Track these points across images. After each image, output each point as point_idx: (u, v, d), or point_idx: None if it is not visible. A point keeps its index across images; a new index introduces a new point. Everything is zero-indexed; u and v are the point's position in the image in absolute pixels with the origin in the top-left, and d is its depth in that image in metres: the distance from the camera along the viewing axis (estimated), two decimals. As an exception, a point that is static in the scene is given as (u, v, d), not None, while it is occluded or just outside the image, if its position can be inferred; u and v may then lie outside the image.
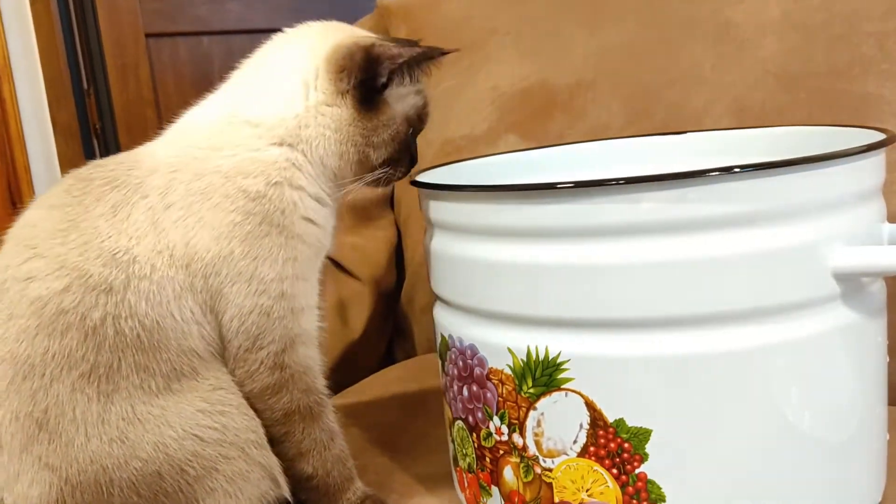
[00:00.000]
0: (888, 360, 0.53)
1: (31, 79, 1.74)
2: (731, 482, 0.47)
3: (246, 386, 0.57)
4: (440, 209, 0.55)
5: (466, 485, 0.58)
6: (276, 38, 0.62)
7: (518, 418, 0.50)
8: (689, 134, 0.70)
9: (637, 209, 0.44)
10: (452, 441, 0.59)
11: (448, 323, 0.56)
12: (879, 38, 0.77)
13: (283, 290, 0.56)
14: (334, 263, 1.03)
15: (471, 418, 0.55)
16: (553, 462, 0.49)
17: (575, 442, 0.48)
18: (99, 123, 1.84)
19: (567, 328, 0.48)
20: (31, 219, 0.56)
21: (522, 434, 0.50)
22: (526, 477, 0.51)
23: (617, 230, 0.45)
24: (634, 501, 0.47)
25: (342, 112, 0.57)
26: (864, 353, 0.49)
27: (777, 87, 0.82)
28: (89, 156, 1.84)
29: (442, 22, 1.09)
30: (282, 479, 0.58)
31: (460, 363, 0.54)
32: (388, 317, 1.11)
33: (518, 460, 0.51)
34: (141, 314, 0.53)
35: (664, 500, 0.47)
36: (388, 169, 0.60)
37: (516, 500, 0.52)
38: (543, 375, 0.49)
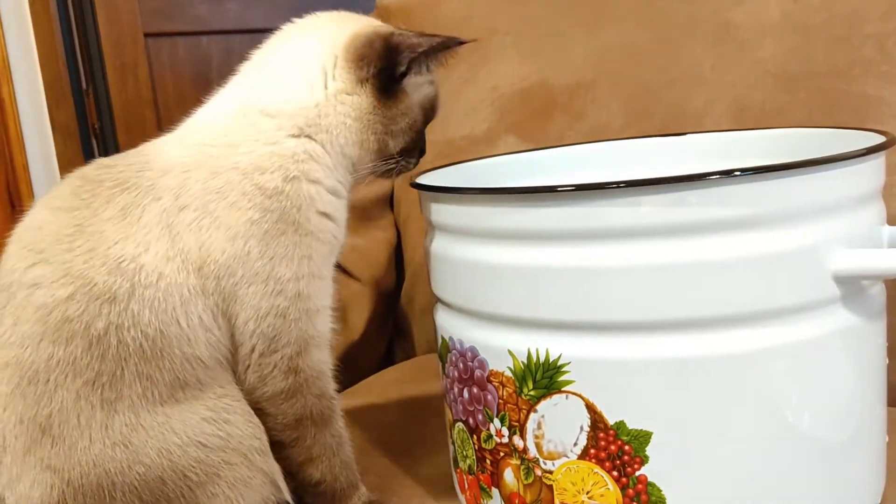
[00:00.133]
0: (888, 361, 0.53)
1: (29, 79, 1.74)
2: (732, 484, 0.47)
3: (258, 391, 0.56)
4: (441, 211, 0.55)
5: (467, 486, 0.58)
6: (288, 29, 0.61)
7: (518, 420, 0.50)
8: (688, 135, 0.70)
9: (637, 212, 0.44)
10: (453, 443, 0.59)
11: (449, 325, 0.56)
12: (879, 40, 0.77)
13: (300, 289, 0.56)
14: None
15: (471, 420, 0.55)
16: (553, 464, 0.50)
17: (575, 444, 0.48)
18: (98, 123, 1.84)
19: (567, 331, 0.48)
20: (37, 221, 0.56)
21: (523, 436, 0.51)
22: (526, 479, 0.51)
23: (617, 233, 0.45)
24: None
25: (361, 100, 0.57)
26: (863, 355, 0.49)
27: (777, 87, 0.82)
28: (88, 156, 1.84)
29: (441, 22, 1.09)
30: (283, 485, 0.58)
31: (461, 365, 0.54)
32: (388, 317, 1.11)
33: (518, 462, 0.52)
34: (144, 323, 0.52)
35: (664, 503, 0.47)
36: (401, 159, 0.60)
37: (517, 502, 0.52)
38: (544, 378, 0.49)
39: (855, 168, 0.47)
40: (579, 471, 0.49)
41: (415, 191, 0.59)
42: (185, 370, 0.54)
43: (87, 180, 0.57)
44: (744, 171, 0.43)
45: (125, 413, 0.52)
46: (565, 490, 0.49)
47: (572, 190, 0.46)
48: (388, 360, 1.11)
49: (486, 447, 0.54)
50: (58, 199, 0.56)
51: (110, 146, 1.84)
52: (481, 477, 0.55)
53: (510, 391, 0.51)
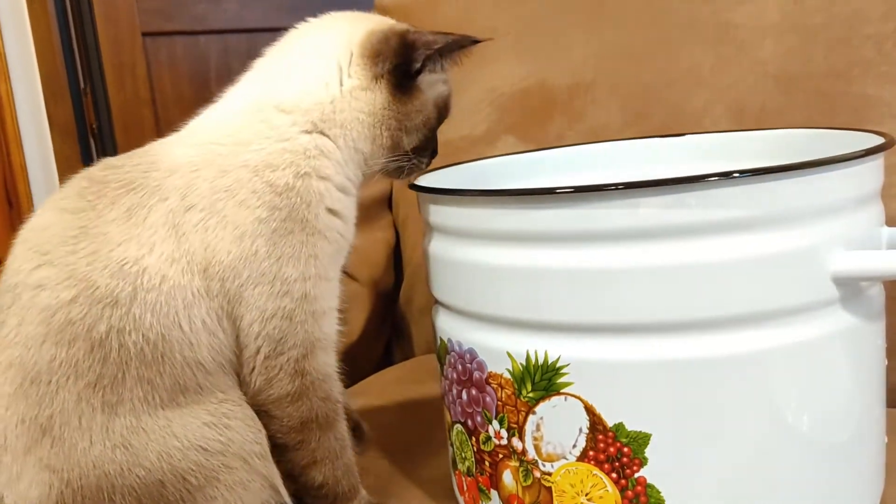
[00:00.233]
0: (887, 362, 0.53)
1: (27, 78, 1.74)
2: (731, 486, 0.47)
3: (263, 393, 0.56)
4: (439, 213, 0.55)
5: (465, 488, 0.58)
6: (303, 27, 0.61)
7: (517, 422, 0.50)
8: (688, 136, 0.70)
9: (636, 214, 0.44)
10: (451, 444, 0.59)
11: (447, 327, 0.56)
12: (878, 41, 0.77)
13: (307, 291, 0.55)
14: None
15: (470, 422, 0.55)
16: (552, 466, 0.49)
17: (574, 446, 0.48)
18: (96, 122, 1.83)
19: (566, 332, 0.48)
20: (43, 221, 0.56)
21: (522, 438, 0.50)
22: (525, 481, 0.51)
23: (616, 235, 0.45)
24: (634, 506, 0.47)
25: (376, 96, 0.57)
26: (863, 356, 0.49)
27: (776, 88, 0.82)
28: (86, 155, 1.83)
29: (440, 22, 1.08)
30: (283, 488, 0.58)
31: (459, 367, 0.54)
32: (387, 318, 1.11)
33: (517, 464, 0.51)
34: (146, 327, 0.52)
35: (663, 505, 0.47)
36: (414, 158, 0.60)
37: (515, 503, 0.52)
38: (543, 380, 0.48)
39: (854, 169, 0.47)
40: (578, 473, 0.49)
41: (413, 191, 0.59)
42: (185, 375, 0.53)
43: (93, 181, 0.56)
44: (743, 172, 0.43)
45: (126, 416, 0.52)
46: (564, 492, 0.49)
47: (571, 192, 0.45)
48: (386, 361, 1.11)
49: (485, 449, 0.54)
50: (64, 200, 0.56)
51: (108, 145, 1.83)
52: (480, 479, 0.55)
53: (509, 393, 0.50)
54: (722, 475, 0.47)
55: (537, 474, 0.50)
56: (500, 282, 0.50)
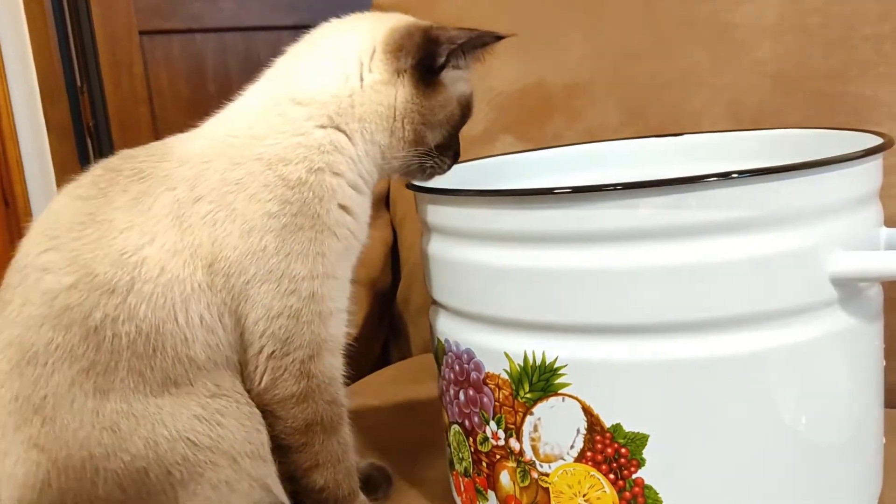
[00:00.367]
0: (885, 363, 0.53)
1: (24, 77, 1.73)
2: (728, 487, 0.47)
3: (268, 393, 0.56)
4: (437, 213, 0.55)
5: (463, 489, 0.58)
6: (325, 25, 0.61)
7: (515, 423, 0.50)
8: (685, 136, 0.70)
9: (635, 214, 0.44)
10: (449, 445, 0.59)
11: (445, 327, 0.55)
12: (876, 41, 0.77)
13: (314, 290, 0.55)
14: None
15: (467, 422, 0.54)
16: (550, 467, 0.49)
17: (572, 447, 0.48)
18: (92, 121, 1.83)
19: (564, 333, 0.47)
20: (57, 207, 0.57)
21: (519, 439, 0.50)
22: (522, 482, 0.51)
23: (614, 235, 0.45)
24: (631, 507, 0.47)
25: (398, 90, 0.57)
26: (861, 357, 0.49)
27: (774, 89, 0.82)
28: (82, 154, 1.83)
29: (438, 20, 1.08)
30: (277, 489, 0.57)
31: (457, 367, 0.54)
32: (384, 317, 1.10)
33: (515, 465, 0.51)
34: (139, 318, 0.52)
35: (661, 506, 0.47)
36: (437, 157, 0.60)
37: (513, 504, 0.52)
38: (540, 380, 0.48)
39: (852, 170, 0.47)
40: (576, 473, 0.48)
41: (411, 190, 0.58)
42: (176, 370, 0.53)
43: (108, 169, 0.57)
44: (741, 173, 0.43)
45: (117, 401, 0.52)
46: (562, 493, 0.49)
47: (569, 192, 0.45)
48: (383, 361, 1.11)
49: (483, 450, 0.54)
50: (79, 188, 0.57)
51: (105, 144, 1.83)
52: (477, 479, 0.55)
53: (506, 394, 0.50)
54: (720, 476, 0.47)
55: (535, 475, 0.50)
56: (497, 282, 0.50)
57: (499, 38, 0.58)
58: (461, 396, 0.54)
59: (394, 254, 1.11)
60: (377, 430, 0.78)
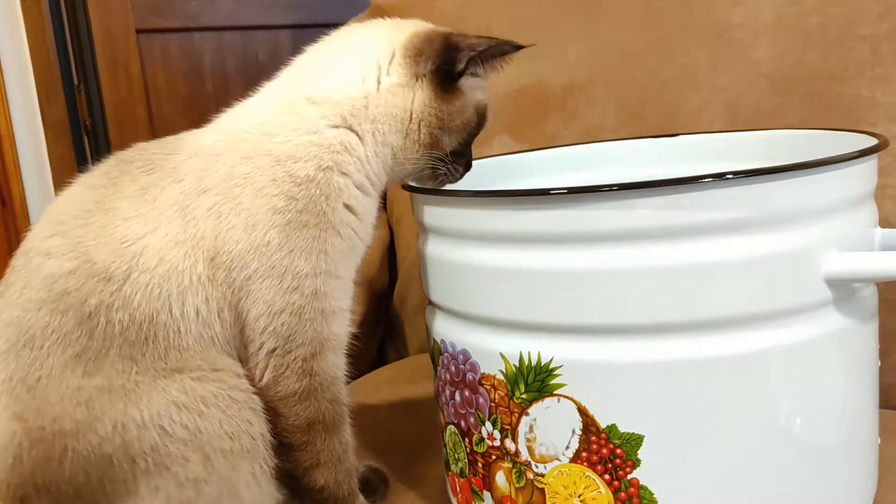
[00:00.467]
0: (879, 363, 0.53)
1: (21, 75, 1.73)
2: (723, 487, 0.47)
3: (271, 390, 0.55)
4: (433, 214, 0.55)
5: (459, 490, 0.58)
6: (346, 27, 0.62)
7: (510, 424, 0.50)
8: (682, 136, 0.70)
9: (630, 215, 0.44)
10: (445, 445, 0.59)
11: (441, 328, 0.55)
12: (873, 42, 0.77)
13: (317, 287, 0.55)
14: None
15: (463, 423, 0.54)
16: (545, 467, 0.49)
17: (567, 447, 0.48)
18: (89, 120, 1.83)
19: (559, 334, 0.47)
20: (69, 195, 0.57)
21: (515, 439, 0.50)
22: (518, 482, 0.51)
23: (610, 236, 0.45)
24: (626, 507, 0.47)
25: (416, 94, 0.57)
26: (856, 357, 0.50)
27: (771, 89, 0.82)
28: (79, 152, 1.83)
29: (436, 21, 1.08)
30: (247, 494, 0.54)
31: (452, 368, 0.54)
32: (381, 317, 1.10)
33: (510, 465, 0.51)
34: (133, 306, 0.52)
35: (656, 506, 0.47)
36: (451, 164, 0.60)
37: (508, 505, 0.52)
38: (536, 381, 0.48)
39: (847, 171, 0.47)
40: (571, 474, 0.48)
41: (408, 191, 0.58)
42: (168, 357, 0.53)
43: (121, 160, 0.58)
44: (736, 174, 0.43)
45: (100, 379, 0.52)
46: (557, 493, 0.49)
47: (565, 192, 0.45)
48: (380, 360, 1.11)
49: (478, 450, 0.54)
50: (91, 177, 0.58)
51: (102, 143, 1.83)
52: (473, 480, 0.55)
53: (502, 394, 0.50)
54: (714, 476, 0.47)
55: (530, 476, 0.50)
56: (493, 283, 0.50)
57: (518, 47, 0.58)
58: (457, 397, 0.54)
59: (391, 254, 1.11)
60: (373, 431, 0.78)
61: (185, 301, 0.53)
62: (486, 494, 0.54)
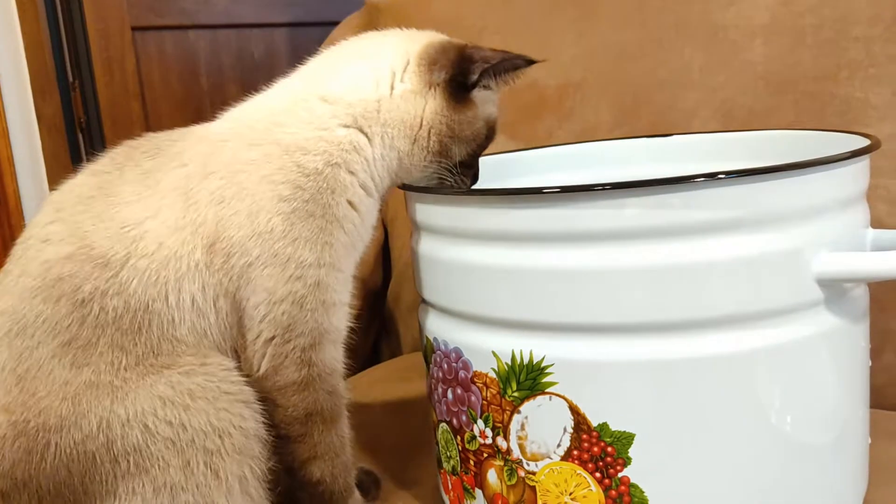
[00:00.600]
0: (870, 363, 0.53)
1: (15, 72, 1.72)
2: (714, 485, 0.47)
3: (269, 380, 0.55)
4: (426, 212, 0.55)
5: (450, 487, 0.58)
6: (364, 34, 0.62)
7: (502, 422, 0.50)
8: (676, 136, 0.70)
9: (622, 214, 0.44)
10: (437, 443, 0.59)
11: (433, 326, 0.55)
12: (867, 43, 0.77)
13: (320, 278, 0.55)
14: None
15: (455, 421, 0.54)
16: (537, 465, 0.49)
17: (559, 445, 0.48)
18: (84, 117, 1.82)
19: (551, 332, 0.48)
20: (72, 183, 0.57)
21: (506, 437, 0.50)
22: (509, 480, 0.51)
23: (602, 235, 0.45)
24: (617, 506, 0.47)
25: (428, 102, 0.58)
26: (847, 357, 0.50)
27: (765, 90, 0.82)
28: (74, 149, 1.82)
29: (432, 21, 1.07)
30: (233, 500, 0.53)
31: (445, 366, 0.54)
32: (375, 315, 1.10)
33: (502, 463, 0.51)
34: (129, 293, 0.52)
35: (647, 505, 0.47)
36: (458, 175, 0.60)
37: (500, 503, 0.52)
38: (528, 379, 0.48)
39: (839, 171, 0.47)
40: (562, 472, 0.49)
41: (401, 189, 0.58)
42: (160, 348, 0.53)
43: (128, 146, 0.58)
44: (728, 173, 0.43)
45: (89, 374, 0.51)
46: (548, 491, 0.49)
47: (557, 192, 0.45)
48: (374, 359, 1.11)
49: (470, 448, 0.54)
50: (97, 164, 0.58)
51: (96, 140, 1.82)
52: (465, 478, 0.55)
53: (494, 392, 0.50)
54: (705, 475, 0.47)
55: (522, 473, 0.50)
56: (486, 281, 0.50)
57: (531, 62, 0.59)
58: (449, 395, 0.54)
59: (385, 252, 1.11)
60: (366, 428, 0.78)
61: (182, 289, 0.53)
62: (478, 492, 0.54)
